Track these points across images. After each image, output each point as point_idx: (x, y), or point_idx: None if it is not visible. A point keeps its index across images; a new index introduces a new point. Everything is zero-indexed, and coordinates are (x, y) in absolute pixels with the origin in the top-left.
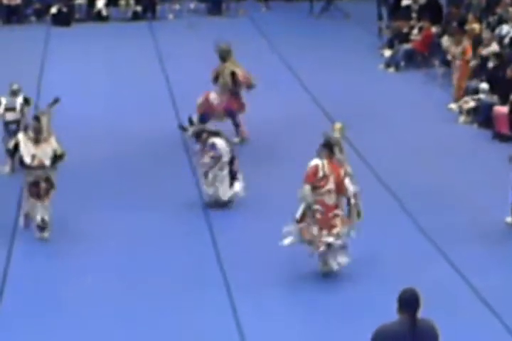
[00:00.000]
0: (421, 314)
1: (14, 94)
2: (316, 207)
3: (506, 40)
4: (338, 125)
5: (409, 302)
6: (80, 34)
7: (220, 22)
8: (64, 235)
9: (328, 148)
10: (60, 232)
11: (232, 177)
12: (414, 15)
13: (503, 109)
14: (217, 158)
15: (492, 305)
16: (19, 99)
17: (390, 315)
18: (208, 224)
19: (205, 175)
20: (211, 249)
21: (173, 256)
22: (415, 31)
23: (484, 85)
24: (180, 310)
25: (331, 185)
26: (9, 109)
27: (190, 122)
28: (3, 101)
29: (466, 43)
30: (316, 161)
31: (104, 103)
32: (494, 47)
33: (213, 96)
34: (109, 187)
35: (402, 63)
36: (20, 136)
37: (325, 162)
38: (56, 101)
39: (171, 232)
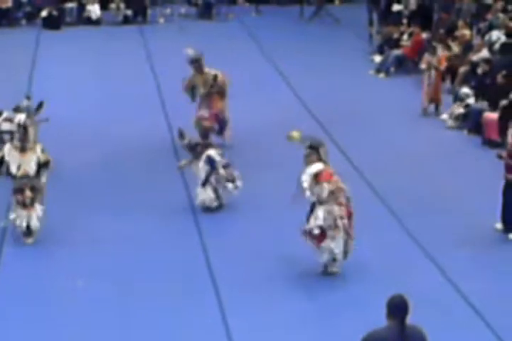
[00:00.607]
0: (409, 320)
1: (18, 110)
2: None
3: (496, 47)
4: (294, 133)
5: (397, 308)
6: (71, 37)
7: (210, 26)
8: (53, 239)
9: (316, 150)
10: (49, 236)
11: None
12: (404, 21)
13: (493, 116)
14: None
15: (480, 310)
16: (21, 116)
17: (378, 317)
18: (198, 227)
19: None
20: (201, 253)
21: (163, 259)
22: (405, 37)
23: (466, 90)
24: (169, 313)
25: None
26: (6, 119)
27: (181, 135)
28: (5, 114)
29: (441, 53)
30: (318, 165)
31: (94, 107)
32: (484, 53)
33: (203, 113)
34: (99, 192)
35: (392, 69)
36: (7, 146)
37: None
38: (40, 105)
39: (160, 236)
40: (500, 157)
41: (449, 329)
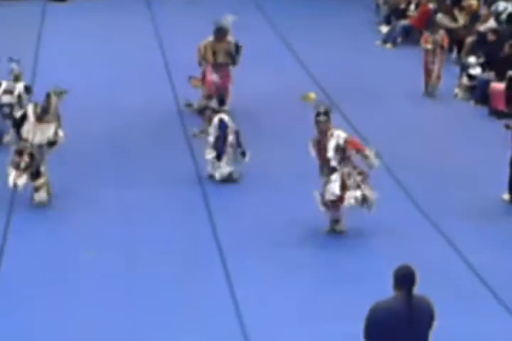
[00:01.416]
0: (416, 290)
1: (16, 79)
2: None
3: (503, 17)
4: (311, 94)
5: (404, 279)
6: (77, 10)
7: None
8: (59, 210)
9: (327, 114)
10: (55, 207)
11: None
12: None
13: (500, 86)
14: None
15: (487, 281)
16: (19, 85)
17: (386, 288)
18: (205, 198)
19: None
20: (207, 223)
21: (170, 230)
22: (412, 7)
23: (472, 59)
24: (176, 283)
25: None
26: (6, 91)
27: (189, 105)
28: (4, 84)
29: (443, 32)
30: (342, 132)
31: (101, 79)
32: (491, 23)
33: (215, 77)
34: (105, 163)
35: (399, 39)
36: (30, 107)
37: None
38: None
39: (167, 207)
40: (507, 127)
41: (455, 300)
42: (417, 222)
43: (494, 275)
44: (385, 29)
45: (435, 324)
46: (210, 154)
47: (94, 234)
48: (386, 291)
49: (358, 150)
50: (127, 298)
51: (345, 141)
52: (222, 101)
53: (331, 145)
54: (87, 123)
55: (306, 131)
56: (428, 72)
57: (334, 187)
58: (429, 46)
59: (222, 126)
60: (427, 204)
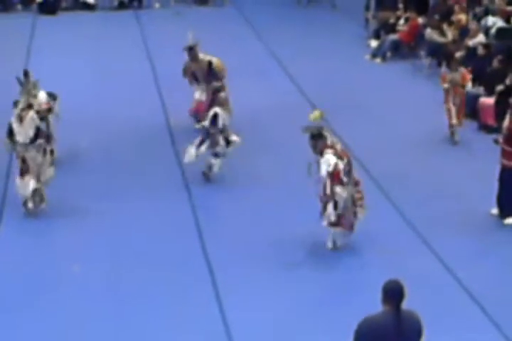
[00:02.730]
0: (405, 305)
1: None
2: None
3: (492, 31)
4: (316, 112)
5: (393, 293)
6: (66, 23)
7: (206, 11)
8: (46, 220)
9: (319, 137)
10: (42, 217)
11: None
12: (401, 5)
13: (489, 101)
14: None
15: (476, 296)
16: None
17: (374, 302)
18: (193, 210)
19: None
20: (195, 232)
21: (158, 243)
22: (401, 22)
23: None
24: (164, 296)
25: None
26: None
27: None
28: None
29: (463, 70)
30: (334, 159)
31: (90, 91)
32: (480, 38)
33: (198, 94)
34: (94, 174)
35: (389, 54)
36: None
37: (332, 153)
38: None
39: (155, 219)
40: (496, 142)
41: (444, 315)
42: (405, 236)
43: (482, 290)
44: (374, 43)
45: (423, 339)
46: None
47: (81, 246)
48: (375, 305)
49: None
50: (114, 310)
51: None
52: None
53: (322, 164)
54: (76, 136)
55: (294, 143)
56: (449, 113)
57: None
58: (446, 85)
59: (213, 119)
60: (416, 218)
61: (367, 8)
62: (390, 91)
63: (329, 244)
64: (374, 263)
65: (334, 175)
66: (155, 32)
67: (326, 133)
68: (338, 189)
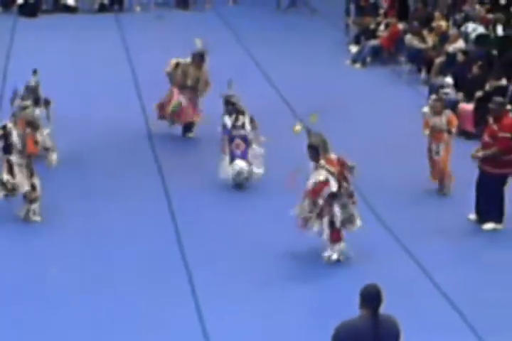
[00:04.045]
0: (383, 309)
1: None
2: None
3: (472, 38)
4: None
5: (371, 297)
6: (47, 25)
7: (186, 15)
8: (22, 223)
9: (314, 149)
10: (18, 220)
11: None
12: (381, 11)
13: (468, 107)
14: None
15: (453, 301)
16: None
17: (353, 309)
18: (172, 214)
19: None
20: (174, 239)
21: (136, 246)
22: (382, 27)
23: (448, 79)
24: (141, 300)
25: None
26: None
27: (229, 85)
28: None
29: (449, 113)
30: (323, 175)
31: (70, 94)
32: (460, 43)
33: (182, 99)
34: (71, 177)
35: (369, 59)
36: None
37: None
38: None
39: (133, 223)
40: (475, 157)
41: (422, 319)
42: (383, 241)
43: (460, 295)
44: (354, 49)
45: None
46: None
47: (57, 247)
48: (354, 311)
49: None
50: (91, 313)
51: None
52: (188, 128)
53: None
54: (55, 138)
55: (275, 147)
56: (432, 164)
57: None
58: (427, 132)
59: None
60: (395, 224)
61: (347, 13)
62: (369, 97)
63: (334, 256)
64: (351, 267)
65: (316, 190)
66: (135, 35)
67: (322, 143)
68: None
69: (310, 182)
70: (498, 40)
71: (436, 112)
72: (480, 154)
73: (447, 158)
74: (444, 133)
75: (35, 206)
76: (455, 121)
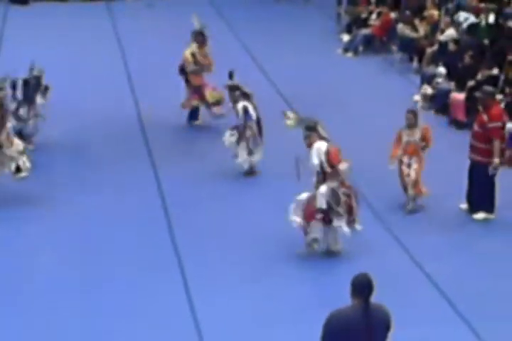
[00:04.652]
0: (374, 299)
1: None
2: (343, 189)
3: (463, 27)
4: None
5: (362, 287)
6: (38, 13)
7: (178, 4)
8: (16, 210)
9: (314, 130)
10: (15, 210)
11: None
12: (373, 0)
13: (460, 96)
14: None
15: (445, 291)
16: None
17: (345, 299)
18: (164, 205)
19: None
20: (166, 231)
21: (128, 237)
22: (374, 16)
23: (441, 69)
24: (133, 292)
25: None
26: None
27: (230, 76)
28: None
29: (424, 128)
30: (323, 144)
31: (61, 83)
32: (451, 31)
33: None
34: (64, 167)
35: (361, 48)
36: None
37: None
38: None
39: (125, 214)
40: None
41: (412, 309)
42: (375, 232)
43: (451, 284)
44: (346, 38)
45: (391, 332)
46: (233, 136)
47: (49, 237)
48: (345, 300)
49: (333, 166)
50: (83, 302)
51: (326, 154)
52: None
53: (313, 154)
54: (46, 128)
55: (268, 138)
56: (401, 176)
57: (321, 200)
58: (392, 163)
59: (248, 116)
60: (386, 214)
61: (339, 2)
62: (361, 86)
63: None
64: (343, 258)
65: (331, 156)
66: (127, 23)
67: (320, 129)
68: (341, 166)
69: (315, 162)
70: (490, 29)
71: (410, 125)
72: (496, 160)
73: (420, 171)
74: (418, 146)
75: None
76: (430, 138)
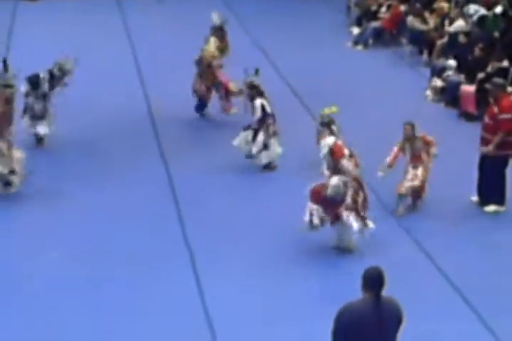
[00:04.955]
0: (385, 292)
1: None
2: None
3: (474, 19)
4: (331, 109)
5: (373, 280)
6: (48, 9)
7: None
8: (27, 207)
9: (327, 126)
10: (24, 204)
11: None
12: None
13: (470, 88)
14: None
15: (456, 283)
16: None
17: (355, 292)
18: (174, 196)
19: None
20: (178, 226)
21: (139, 233)
22: (384, 9)
23: (451, 62)
24: (144, 287)
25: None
26: None
27: (256, 73)
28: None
29: (422, 136)
30: (332, 139)
31: (72, 79)
32: (460, 22)
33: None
34: (75, 163)
35: (371, 41)
36: None
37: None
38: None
39: (136, 206)
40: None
41: (424, 302)
42: (385, 224)
43: (462, 278)
44: (356, 31)
45: (403, 326)
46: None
47: (58, 233)
48: (357, 294)
49: (337, 162)
50: (92, 298)
51: (330, 150)
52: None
53: (321, 148)
54: (57, 122)
55: (284, 134)
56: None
57: (332, 189)
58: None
59: (263, 110)
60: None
61: None
62: (371, 79)
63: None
64: (356, 251)
65: (335, 150)
66: (137, 19)
67: (334, 127)
68: (344, 162)
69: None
70: (498, 21)
71: (408, 137)
72: (490, 147)
73: (426, 178)
74: (422, 154)
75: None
76: (432, 141)
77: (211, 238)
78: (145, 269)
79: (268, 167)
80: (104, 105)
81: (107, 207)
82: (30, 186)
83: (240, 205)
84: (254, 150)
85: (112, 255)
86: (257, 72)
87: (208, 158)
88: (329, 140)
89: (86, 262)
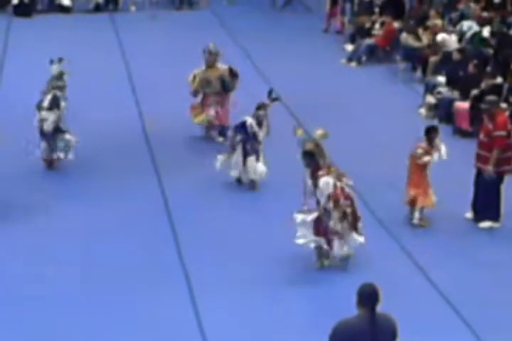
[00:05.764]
0: (380, 308)
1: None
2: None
3: (467, 37)
4: (319, 131)
5: (368, 296)
6: (42, 25)
7: (181, 15)
8: (16, 222)
9: (310, 155)
10: (17, 218)
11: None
12: (376, 10)
13: (464, 105)
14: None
15: (450, 299)
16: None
17: (349, 307)
18: (169, 216)
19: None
20: (172, 242)
21: (132, 248)
22: (377, 26)
23: (441, 79)
24: (137, 301)
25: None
26: None
27: (269, 94)
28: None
29: (424, 147)
30: (328, 180)
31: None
32: (453, 38)
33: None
34: (69, 179)
35: (364, 58)
36: None
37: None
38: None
39: (129, 222)
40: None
41: (418, 317)
42: (379, 239)
43: (457, 293)
44: (349, 47)
45: None
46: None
47: (52, 248)
48: (350, 311)
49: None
50: (86, 314)
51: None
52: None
53: (321, 189)
54: None
55: (269, 147)
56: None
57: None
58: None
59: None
60: (391, 222)
61: (342, 12)
62: (365, 95)
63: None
64: (348, 266)
65: (336, 194)
66: (130, 35)
67: (319, 150)
68: (342, 201)
69: (324, 196)
70: (486, 39)
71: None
72: (490, 168)
73: (419, 184)
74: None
75: None
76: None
77: (205, 253)
78: (139, 284)
79: (252, 186)
80: (98, 121)
81: (100, 222)
82: (23, 202)
83: (234, 220)
84: (234, 173)
85: (105, 270)
86: (270, 93)
87: (202, 174)
88: (330, 181)
89: (78, 277)
